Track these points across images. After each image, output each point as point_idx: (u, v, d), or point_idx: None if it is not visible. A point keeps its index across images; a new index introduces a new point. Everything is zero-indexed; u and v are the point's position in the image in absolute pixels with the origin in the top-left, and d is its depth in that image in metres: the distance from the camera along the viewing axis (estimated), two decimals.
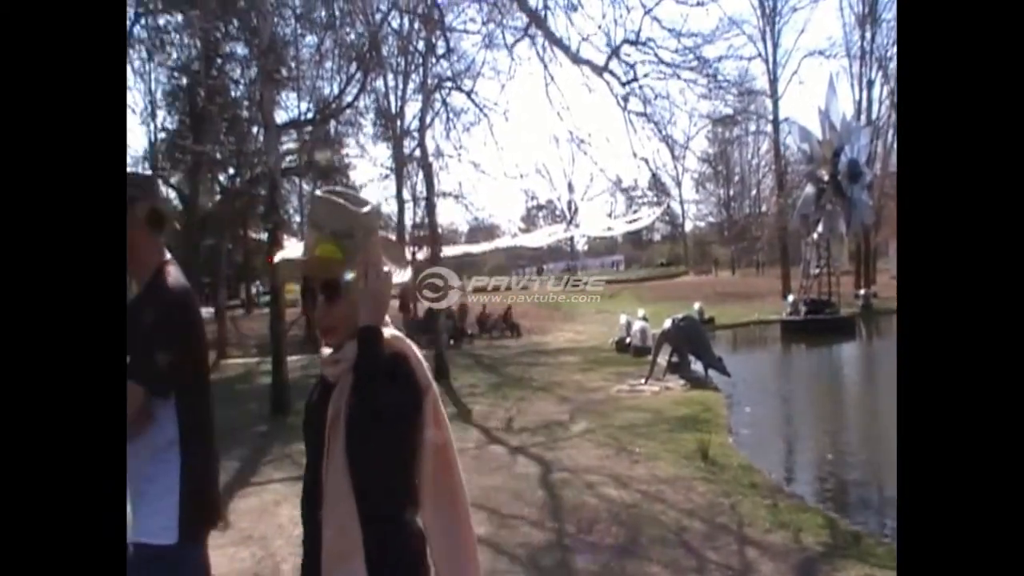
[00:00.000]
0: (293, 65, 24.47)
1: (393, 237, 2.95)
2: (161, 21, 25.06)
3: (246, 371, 20.24)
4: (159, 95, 31.14)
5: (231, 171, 30.46)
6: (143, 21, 24.64)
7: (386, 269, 2.18)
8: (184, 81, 28.32)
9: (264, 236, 20.57)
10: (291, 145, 28.37)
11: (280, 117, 23.80)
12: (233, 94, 27.29)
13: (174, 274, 2.80)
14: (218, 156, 27.10)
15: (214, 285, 29.04)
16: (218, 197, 31.81)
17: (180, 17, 22.92)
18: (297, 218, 34.58)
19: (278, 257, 2.43)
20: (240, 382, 17.93)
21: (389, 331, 2.18)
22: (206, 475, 2.84)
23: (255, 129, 25.63)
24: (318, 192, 2.28)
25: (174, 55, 26.93)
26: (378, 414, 2.05)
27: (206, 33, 20.80)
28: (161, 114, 32.28)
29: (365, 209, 2.22)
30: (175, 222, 2.98)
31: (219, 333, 24.06)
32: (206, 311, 21.65)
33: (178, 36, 25.18)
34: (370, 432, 2.06)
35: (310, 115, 27.42)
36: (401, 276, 2.30)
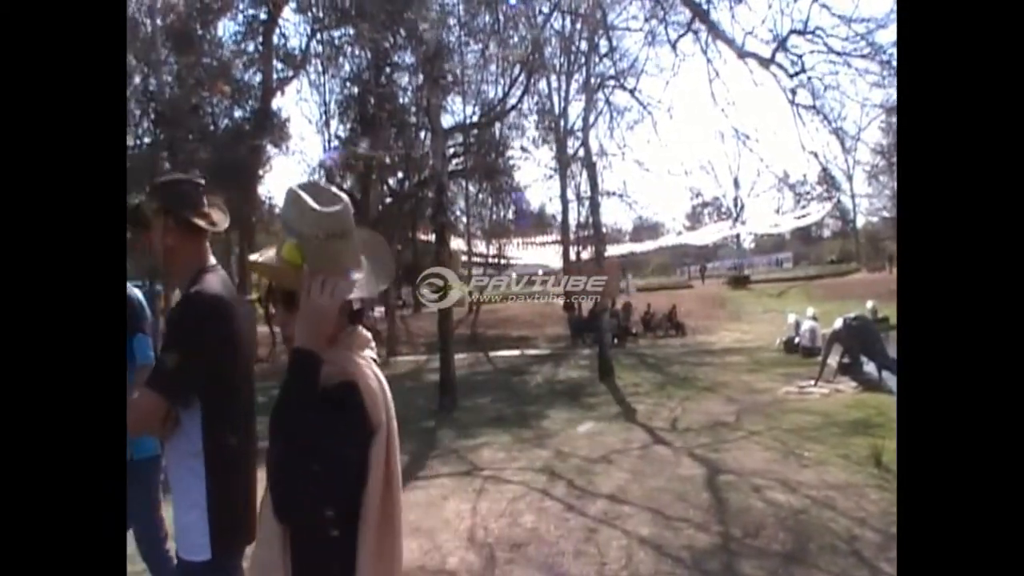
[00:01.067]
0: (458, 70, 25.05)
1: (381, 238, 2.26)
2: (335, 35, 26.30)
3: (415, 368, 20.90)
4: (332, 105, 32.64)
5: (400, 175, 31.58)
6: (318, 36, 25.92)
7: (342, 281, 1.91)
8: (355, 90, 29.51)
9: (432, 237, 21.15)
10: (457, 148, 29.03)
11: (446, 121, 24.43)
12: (401, 101, 28.23)
13: (207, 281, 2.70)
14: (387, 161, 28.12)
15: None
16: (388, 200, 32.95)
17: (351, 30, 23.95)
18: (464, 219, 35.37)
19: (251, 258, 2.21)
20: (409, 379, 18.53)
21: (343, 353, 1.93)
22: (234, 489, 2.68)
23: (422, 134, 26.45)
24: (291, 186, 1.98)
25: (346, 66, 28.17)
26: (312, 451, 1.79)
27: (375, 44, 21.65)
28: (334, 123, 33.85)
29: (330, 209, 1.93)
30: (220, 228, 2.82)
31: (388, 331, 24.96)
32: (377, 310, 22.47)
33: (350, 48, 26.33)
34: (303, 469, 1.80)
35: (475, 118, 28.04)
36: (371, 288, 2.03)
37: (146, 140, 26.29)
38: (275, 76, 28.65)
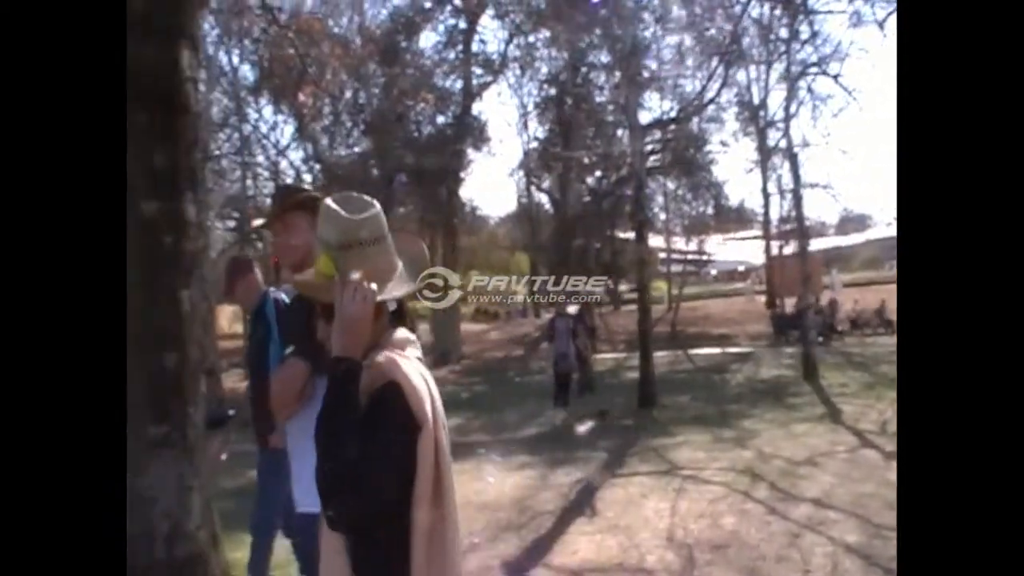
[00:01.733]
0: (655, 66, 24.89)
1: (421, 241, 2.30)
2: (532, 38, 26.81)
3: (615, 365, 20.94)
4: (530, 106, 33.28)
5: (598, 173, 31.75)
6: (516, 41, 26.52)
7: (373, 286, 1.89)
8: (552, 91, 29.94)
9: (631, 235, 21.12)
10: (655, 145, 28.84)
11: (644, 118, 24.28)
12: (598, 99, 28.37)
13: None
14: (586, 160, 28.35)
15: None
16: (586, 199, 33.19)
17: (548, 33, 24.33)
18: (663, 216, 35.07)
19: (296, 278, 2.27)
20: (609, 376, 18.59)
21: (385, 355, 1.91)
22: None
23: (620, 131, 26.47)
24: (326, 199, 2.00)
25: (543, 68, 28.65)
26: (360, 456, 1.79)
27: (572, 44, 21.88)
28: (532, 124, 34.50)
29: (360, 216, 1.95)
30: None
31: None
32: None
33: (546, 50, 26.77)
34: (352, 475, 1.80)
35: (673, 113, 27.72)
36: (401, 289, 2.03)
37: (356, 149, 27.82)
38: (475, 82, 29.54)
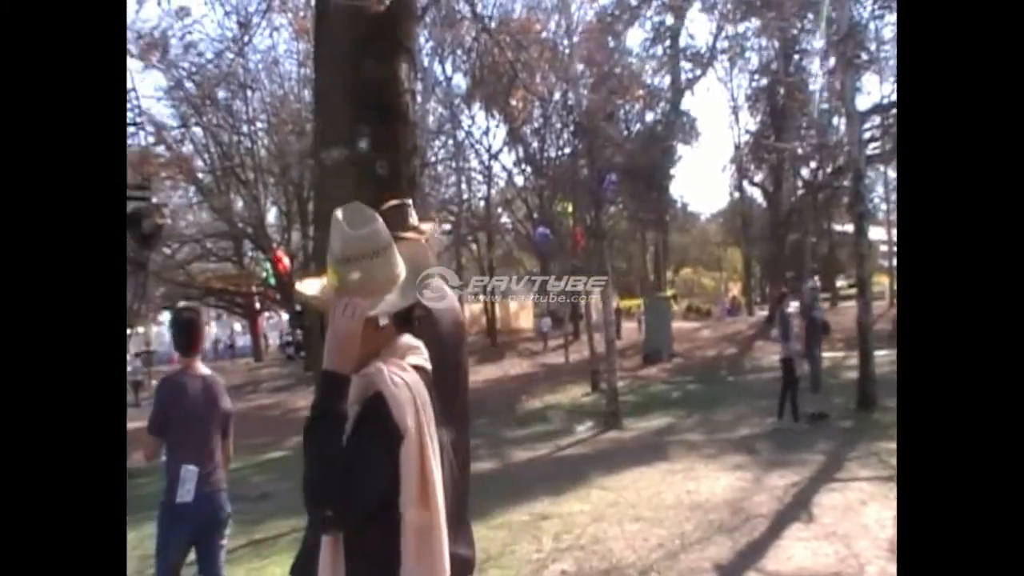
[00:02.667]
0: (873, 47, 23.55)
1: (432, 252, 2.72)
2: (740, 29, 26.13)
3: (833, 365, 20.03)
4: (741, 99, 32.43)
5: (813, 165, 30.44)
6: (724, 32, 25.96)
7: (364, 302, 1.91)
8: (764, 82, 29.04)
9: (849, 228, 20.13)
10: (874, 131, 27.31)
11: (862, 103, 23.08)
12: (811, 87, 27.22)
13: None
14: (800, 151, 27.28)
15: (798, 279, 29.28)
16: (801, 192, 31.95)
17: (757, 22, 23.62)
18: (884, 207, 33.13)
19: (296, 287, 2.20)
20: (827, 375, 17.82)
21: (375, 365, 1.92)
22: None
23: (836, 119, 25.26)
24: (335, 211, 2.02)
25: (754, 59, 27.86)
26: (344, 464, 1.84)
27: (783, 32, 21.14)
28: (743, 116, 33.60)
29: (362, 231, 1.97)
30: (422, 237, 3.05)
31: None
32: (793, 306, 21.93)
33: (756, 40, 25.99)
34: (336, 482, 1.86)
35: (894, 96, 26.12)
36: (399, 301, 2.01)
37: (566, 150, 28.23)
38: (683, 76, 29.20)
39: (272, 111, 22.96)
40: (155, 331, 41.59)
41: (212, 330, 51.25)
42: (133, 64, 15.72)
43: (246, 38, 15.25)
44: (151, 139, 19.00)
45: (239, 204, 25.98)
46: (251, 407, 20.55)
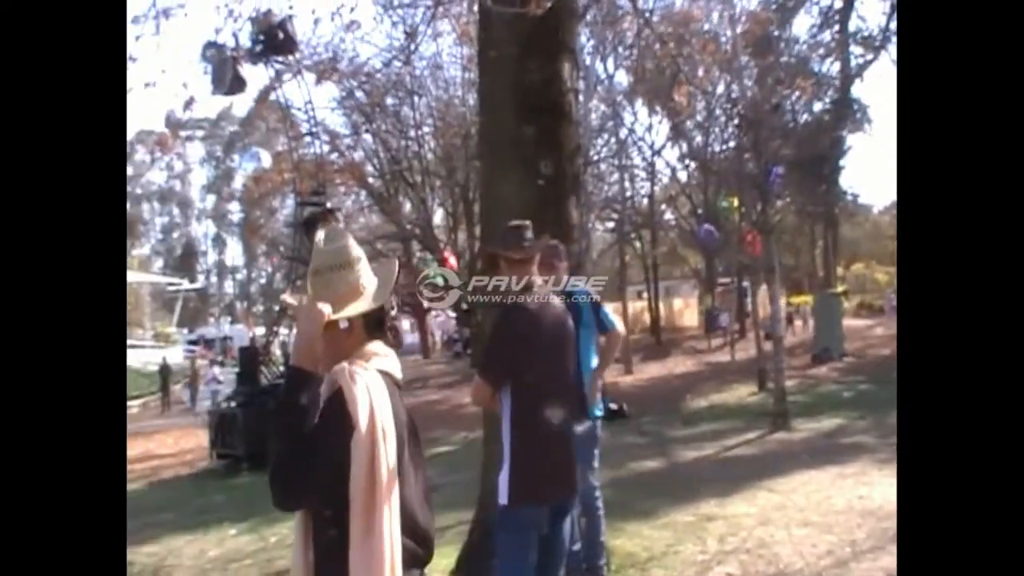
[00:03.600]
0: None
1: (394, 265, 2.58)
2: None
3: None
4: None
5: None
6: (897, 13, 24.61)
7: (320, 307, 2.18)
8: None
9: None
10: None
11: None
12: None
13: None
14: None
15: None
16: None
17: None
18: None
19: (282, 297, 2.69)
20: None
21: (342, 365, 2.17)
22: (527, 454, 3.50)
23: None
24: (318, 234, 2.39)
25: None
26: (307, 452, 2.07)
27: None
28: None
29: (331, 246, 2.34)
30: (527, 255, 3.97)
31: None
32: None
33: None
34: (291, 466, 2.09)
35: None
36: (357, 308, 2.28)
37: (731, 144, 27.59)
38: (853, 62, 27.92)
39: (438, 115, 23.57)
40: None
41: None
42: (309, 77, 16.53)
43: (412, 46, 15.74)
44: (326, 148, 19.95)
45: (407, 207, 26.88)
46: (420, 402, 21.23)
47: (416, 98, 23.30)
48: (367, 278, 2.35)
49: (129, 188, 74.24)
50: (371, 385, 2.15)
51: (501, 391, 3.60)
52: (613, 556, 5.54)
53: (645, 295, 34.55)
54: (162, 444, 18.96)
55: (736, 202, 22.18)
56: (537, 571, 3.51)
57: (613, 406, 13.76)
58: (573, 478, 3.67)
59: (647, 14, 19.88)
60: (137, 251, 69.92)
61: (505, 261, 3.82)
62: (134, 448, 18.07)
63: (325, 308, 2.20)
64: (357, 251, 2.35)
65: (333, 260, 2.32)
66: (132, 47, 6.13)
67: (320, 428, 2.11)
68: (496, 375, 3.64)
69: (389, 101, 22.41)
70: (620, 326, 5.27)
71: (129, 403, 27.13)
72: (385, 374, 2.25)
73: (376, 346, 2.32)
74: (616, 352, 5.82)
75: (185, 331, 53.95)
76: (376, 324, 2.33)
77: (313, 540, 2.20)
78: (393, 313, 2.40)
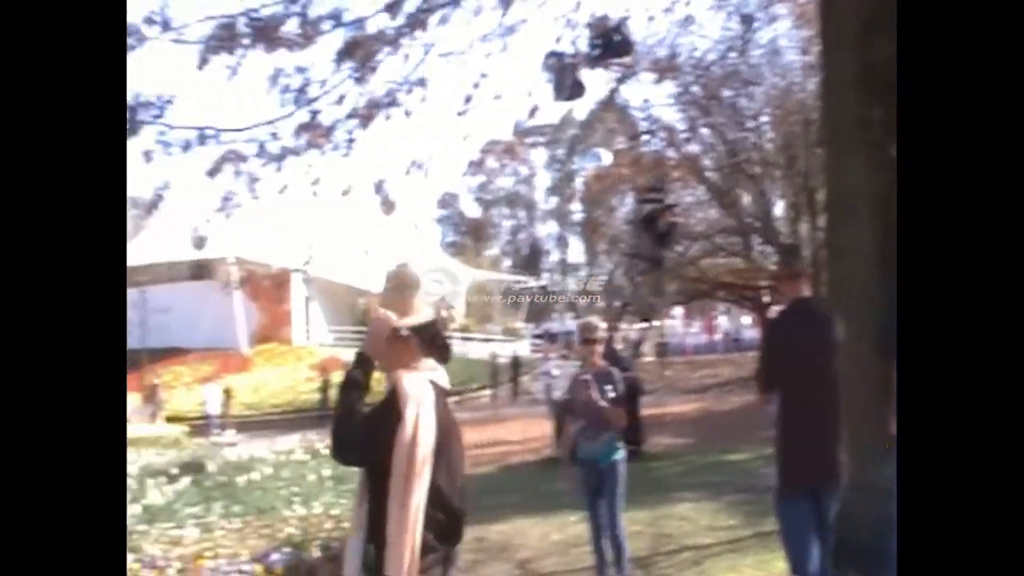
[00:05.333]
0: None
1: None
2: None
3: None
4: None
5: None
6: None
7: (383, 311, 2.89)
8: None
9: None
10: None
11: None
12: None
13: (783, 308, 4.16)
14: None
15: None
16: None
17: None
18: None
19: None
20: None
21: (401, 372, 2.84)
22: (801, 436, 3.94)
23: None
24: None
25: None
26: (366, 426, 2.77)
27: None
28: None
29: (393, 271, 3.06)
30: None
31: None
32: None
33: None
34: (350, 435, 2.81)
35: None
36: (414, 320, 2.92)
37: None
38: None
39: (776, 104, 22.78)
40: (668, 324, 43.93)
41: (721, 324, 52.58)
42: (645, 77, 16.73)
43: (747, 34, 15.36)
44: (663, 144, 20.11)
45: (746, 199, 26.26)
46: None
47: (753, 88, 22.69)
48: (422, 301, 3.01)
49: (480, 194, 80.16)
50: (419, 389, 2.80)
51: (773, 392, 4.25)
52: None
53: None
54: (511, 431, 20.17)
55: None
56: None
57: None
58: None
59: None
60: (488, 252, 75.08)
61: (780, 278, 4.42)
62: (485, 434, 19.52)
63: (392, 316, 2.88)
64: (415, 279, 3.03)
65: (394, 283, 3.02)
66: (482, 63, 6.62)
67: (376, 414, 2.78)
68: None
69: (725, 93, 22.04)
70: None
71: (481, 392, 29.32)
72: (434, 383, 2.89)
73: (427, 362, 2.95)
74: None
75: (531, 326, 56.95)
76: (429, 341, 2.96)
77: (368, 499, 2.80)
78: (444, 333, 3.09)
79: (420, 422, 2.72)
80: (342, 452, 2.90)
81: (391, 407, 2.75)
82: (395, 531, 2.62)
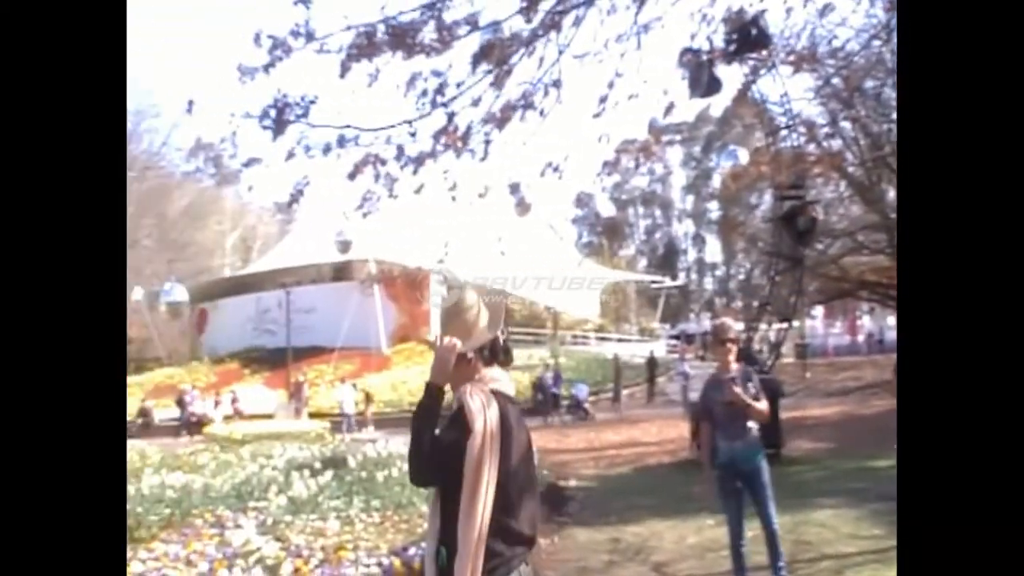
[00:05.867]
0: None
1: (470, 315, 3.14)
2: None
3: None
4: None
5: None
6: None
7: (448, 340, 2.90)
8: None
9: None
10: None
11: None
12: None
13: None
14: None
15: None
16: None
17: None
18: None
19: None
20: None
21: (466, 385, 2.89)
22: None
23: None
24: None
25: None
26: (438, 447, 2.80)
27: None
28: None
29: (447, 297, 3.19)
30: None
31: None
32: None
33: None
34: (424, 449, 2.83)
35: None
36: (471, 344, 2.96)
37: None
38: None
39: None
40: (808, 324, 42.58)
41: (864, 324, 50.52)
42: (783, 70, 16.28)
43: (893, 21, 14.72)
44: (803, 139, 19.52)
45: (890, 194, 25.17)
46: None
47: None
48: (481, 319, 3.06)
49: (615, 194, 79.87)
50: (485, 402, 2.83)
51: None
52: None
53: None
54: (647, 432, 19.97)
55: None
56: None
57: None
58: None
59: None
60: (623, 252, 74.70)
61: None
62: (620, 434, 19.35)
63: (457, 343, 2.90)
64: (471, 299, 3.07)
65: (452, 308, 3.08)
66: (617, 63, 6.64)
67: (447, 429, 2.82)
68: None
69: (868, 84, 21.21)
70: None
71: (621, 391, 29.19)
72: (498, 393, 2.91)
73: (492, 371, 3.01)
74: None
75: (667, 326, 56.34)
76: (491, 352, 3.02)
77: (440, 509, 2.85)
78: (502, 339, 3.07)
79: (487, 433, 2.79)
80: (419, 478, 2.97)
81: (459, 424, 2.81)
82: (463, 539, 2.70)
